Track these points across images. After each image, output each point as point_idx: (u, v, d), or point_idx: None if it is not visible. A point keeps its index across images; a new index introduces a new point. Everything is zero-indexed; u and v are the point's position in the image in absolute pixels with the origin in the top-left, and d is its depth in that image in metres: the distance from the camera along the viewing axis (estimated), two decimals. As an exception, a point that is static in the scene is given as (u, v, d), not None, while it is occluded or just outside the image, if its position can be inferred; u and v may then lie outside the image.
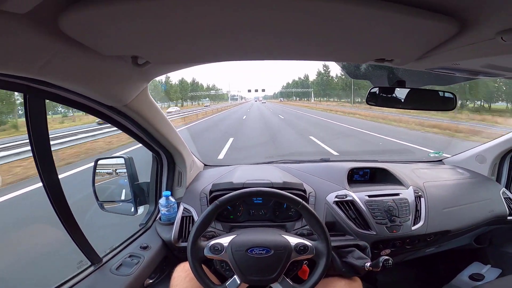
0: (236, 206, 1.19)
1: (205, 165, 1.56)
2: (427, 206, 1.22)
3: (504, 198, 1.39)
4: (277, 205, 1.19)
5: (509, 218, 1.35)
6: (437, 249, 1.42)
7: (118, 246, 1.05)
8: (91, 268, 0.90)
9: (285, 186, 1.13)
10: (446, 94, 0.94)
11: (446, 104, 0.95)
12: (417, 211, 1.20)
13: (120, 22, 0.43)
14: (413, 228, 1.15)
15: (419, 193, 1.25)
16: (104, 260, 0.95)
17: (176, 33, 0.49)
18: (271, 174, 1.27)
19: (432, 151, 2.63)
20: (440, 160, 1.75)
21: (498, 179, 1.52)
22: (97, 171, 1.16)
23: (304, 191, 1.18)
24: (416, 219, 1.18)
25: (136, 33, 0.49)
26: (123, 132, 1.01)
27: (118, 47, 0.56)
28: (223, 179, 1.25)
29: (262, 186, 0.97)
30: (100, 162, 1.18)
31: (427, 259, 1.51)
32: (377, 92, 0.96)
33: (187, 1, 0.38)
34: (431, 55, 0.63)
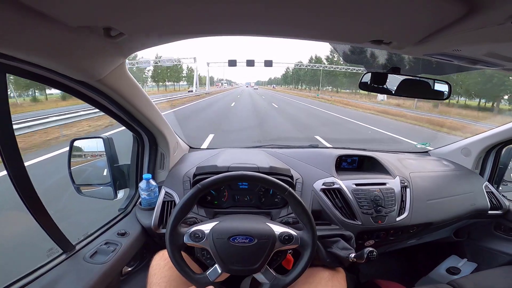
0: (220, 191, 1.15)
1: (190, 147, 1.50)
2: (412, 197, 1.22)
3: (486, 192, 1.41)
4: (263, 191, 1.16)
5: (490, 212, 1.37)
6: (418, 241, 1.44)
7: (93, 233, 0.99)
8: (63, 256, 0.85)
9: (271, 171, 1.10)
10: (441, 84, 0.91)
11: (440, 94, 0.93)
12: (402, 201, 1.20)
13: None
14: (397, 219, 1.15)
15: (405, 184, 1.25)
16: (78, 247, 0.89)
17: None
18: (257, 158, 1.23)
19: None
20: (427, 152, 1.77)
21: (482, 173, 1.54)
22: (73, 152, 1.08)
23: (291, 177, 1.15)
24: (401, 210, 1.18)
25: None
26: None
27: (85, 16, 0.49)
28: (208, 162, 1.20)
29: (247, 170, 0.92)
30: (76, 143, 1.09)
31: (407, 250, 1.53)
32: (370, 78, 0.92)
33: None
34: (432, 39, 0.59)
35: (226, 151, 1.36)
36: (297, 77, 71.57)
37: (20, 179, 0.69)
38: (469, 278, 1.13)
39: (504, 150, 1.50)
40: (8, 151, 0.65)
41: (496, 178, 1.54)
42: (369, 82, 0.93)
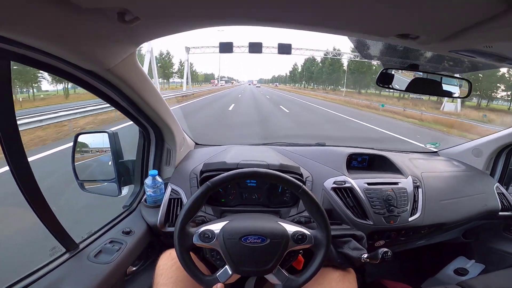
0: (228, 189, 1.12)
1: (196, 144, 1.47)
2: (425, 197, 1.20)
3: (498, 193, 1.39)
4: (271, 189, 1.12)
5: (500, 213, 1.35)
6: (427, 241, 1.42)
7: (97, 231, 0.96)
8: (66, 255, 0.81)
9: (282, 169, 1.06)
10: (462, 82, 0.88)
11: (459, 91, 0.90)
12: (415, 201, 1.18)
13: None
14: (410, 219, 1.13)
15: (417, 183, 1.23)
16: (81, 246, 0.86)
17: None
18: (266, 156, 1.20)
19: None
20: (435, 152, 1.74)
21: (492, 174, 1.52)
22: (77, 147, 1.05)
23: (301, 175, 1.12)
24: (413, 210, 1.16)
25: None
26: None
27: None
28: (215, 159, 1.17)
29: (258, 167, 0.89)
30: (81, 137, 1.06)
31: (414, 251, 1.51)
32: (388, 74, 0.90)
33: None
34: (463, 34, 0.55)
35: (233, 148, 1.33)
36: (309, 74, 63.07)
37: (23, 175, 0.66)
38: (479, 279, 1.11)
39: None
40: (11, 145, 0.62)
41: (507, 180, 1.52)
42: (387, 78, 0.91)
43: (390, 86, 0.96)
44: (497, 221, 1.42)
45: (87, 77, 0.73)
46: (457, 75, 0.89)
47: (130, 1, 0.49)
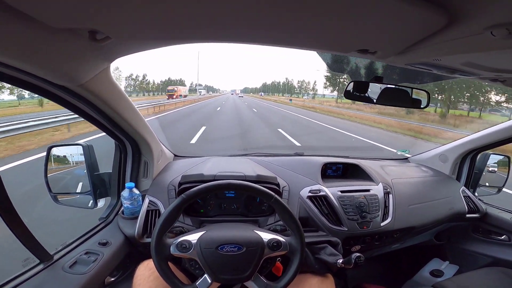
0: (207, 200, 1.13)
1: (175, 155, 1.47)
2: (395, 203, 1.26)
3: (464, 196, 1.47)
4: (250, 199, 1.15)
5: (468, 215, 1.43)
6: (401, 245, 1.47)
7: (72, 243, 0.94)
8: (40, 266, 0.80)
9: (258, 180, 1.09)
10: (421, 92, 0.95)
11: (419, 102, 0.97)
12: (386, 207, 1.23)
13: None
14: (382, 224, 1.18)
15: (388, 190, 1.28)
16: (56, 257, 0.84)
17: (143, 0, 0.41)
18: (244, 167, 1.22)
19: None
20: (406, 158, 1.83)
21: (458, 178, 1.61)
22: (50, 160, 1.03)
23: (278, 185, 1.15)
24: (385, 215, 1.21)
25: (91, 0, 0.40)
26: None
27: (70, 18, 0.46)
28: (194, 171, 1.18)
29: (234, 178, 0.91)
30: (54, 150, 1.04)
31: (391, 254, 1.56)
32: (354, 87, 0.95)
33: None
34: (414, 49, 0.61)
35: (212, 159, 1.34)
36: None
37: None
38: (453, 281, 1.17)
39: (479, 156, 1.58)
40: None
41: (472, 183, 1.60)
42: (352, 91, 0.96)
43: (363, 95, 1.01)
44: (465, 223, 1.49)
45: (60, 92, 0.73)
46: (417, 86, 0.96)
47: (100, 23, 0.49)
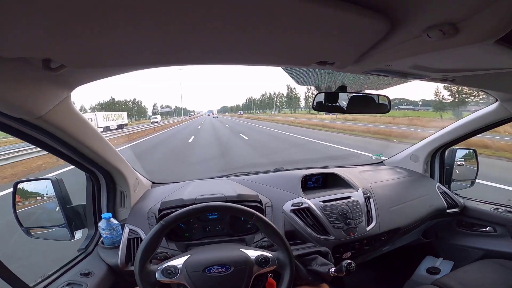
0: (190, 223, 1.11)
1: (153, 183, 1.44)
2: (376, 206, 1.29)
3: (440, 192, 1.53)
4: (234, 219, 1.13)
5: (448, 211, 1.49)
6: (392, 246, 1.50)
7: (52, 274, 0.89)
8: None
9: (239, 199, 1.10)
10: (381, 98, 1.01)
11: (382, 107, 1.02)
12: (368, 211, 1.26)
13: (17, 11, 0.33)
14: (367, 229, 1.20)
15: (368, 194, 1.32)
16: None
17: (97, 27, 0.39)
18: (224, 188, 1.22)
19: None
20: (381, 162, 1.89)
21: (432, 175, 1.68)
22: (18, 195, 0.98)
23: (260, 202, 1.16)
24: (369, 220, 1.24)
25: (42, 28, 0.37)
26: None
27: (21, 47, 0.43)
28: (173, 196, 1.16)
29: (215, 200, 0.91)
30: (20, 185, 0.99)
31: (385, 257, 1.58)
32: (322, 98, 0.99)
33: None
34: (367, 56, 0.65)
35: (191, 184, 1.33)
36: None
37: None
38: (451, 276, 1.18)
39: (446, 152, 1.66)
40: None
41: (446, 179, 1.67)
42: (323, 102, 1.00)
43: (333, 105, 1.05)
44: (448, 218, 1.55)
45: (17, 125, 0.69)
46: (379, 92, 1.01)
47: (52, 51, 0.47)
